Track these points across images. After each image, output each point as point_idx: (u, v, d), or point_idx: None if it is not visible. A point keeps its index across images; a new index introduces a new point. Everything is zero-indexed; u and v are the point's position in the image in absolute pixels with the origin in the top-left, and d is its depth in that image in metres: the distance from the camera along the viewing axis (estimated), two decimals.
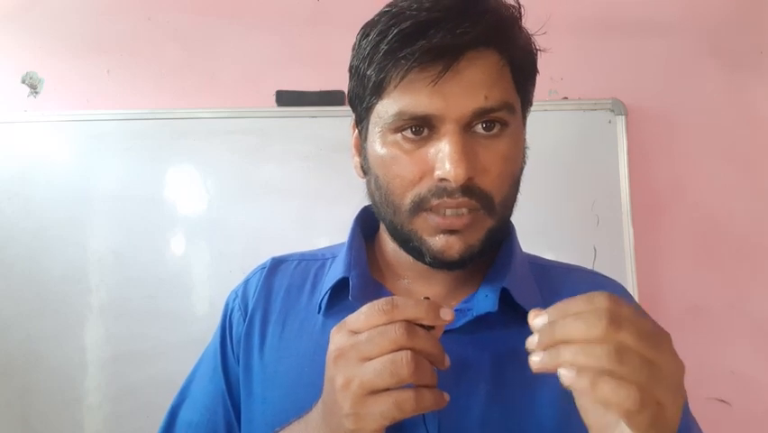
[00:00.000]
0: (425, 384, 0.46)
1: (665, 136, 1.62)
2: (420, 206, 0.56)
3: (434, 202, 0.55)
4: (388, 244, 0.66)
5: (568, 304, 0.43)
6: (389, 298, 0.48)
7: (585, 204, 1.54)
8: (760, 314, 1.57)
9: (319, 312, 0.65)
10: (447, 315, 0.48)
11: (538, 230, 1.59)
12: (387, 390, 0.46)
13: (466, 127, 0.55)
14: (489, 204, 0.57)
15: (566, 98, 1.60)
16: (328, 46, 1.65)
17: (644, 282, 1.52)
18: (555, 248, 1.54)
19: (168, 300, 1.52)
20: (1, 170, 1.58)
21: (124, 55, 1.67)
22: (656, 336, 0.43)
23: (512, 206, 0.61)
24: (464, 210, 0.55)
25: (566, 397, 0.56)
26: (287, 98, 1.62)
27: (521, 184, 0.62)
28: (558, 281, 0.67)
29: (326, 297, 0.64)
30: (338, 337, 0.49)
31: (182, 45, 1.67)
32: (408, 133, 0.56)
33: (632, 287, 1.50)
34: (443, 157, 0.54)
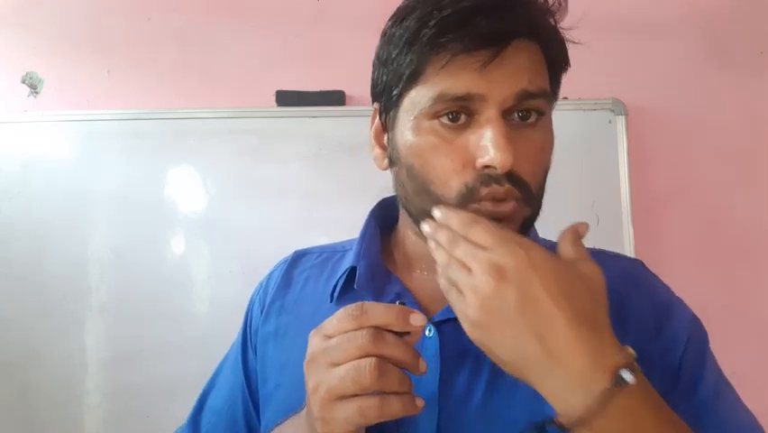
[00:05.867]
0: (394, 391, 0.46)
1: (665, 136, 1.62)
2: (469, 197, 0.54)
3: (485, 191, 0.53)
4: (409, 237, 0.65)
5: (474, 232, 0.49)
6: (360, 303, 0.48)
7: (585, 204, 1.54)
8: (760, 314, 1.57)
9: (331, 301, 0.65)
10: (418, 320, 0.48)
11: (538, 230, 1.59)
12: (355, 395, 0.46)
13: (506, 113, 0.54)
14: (528, 193, 0.56)
15: (566, 98, 1.60)
16: (328, 46, 1.65)
17: None
18: (556, 248, 1.54)
19: (168, 300, 1.52)
20: (1, 170, 1.58)
21: (124, 55, 1.67)
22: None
23: (543, 197, 0.61)
24: (509, 197, 0.54)
25: None
26: (287, 98, 1.62)
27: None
28: None
29: (339, 286, 0.65)
30: (313, 341, 0.50)
31: (182, 45, 1.67)
32: (446, 120, 0.54)
33: None
34: (487, 144, 0.52)
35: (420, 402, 0.48)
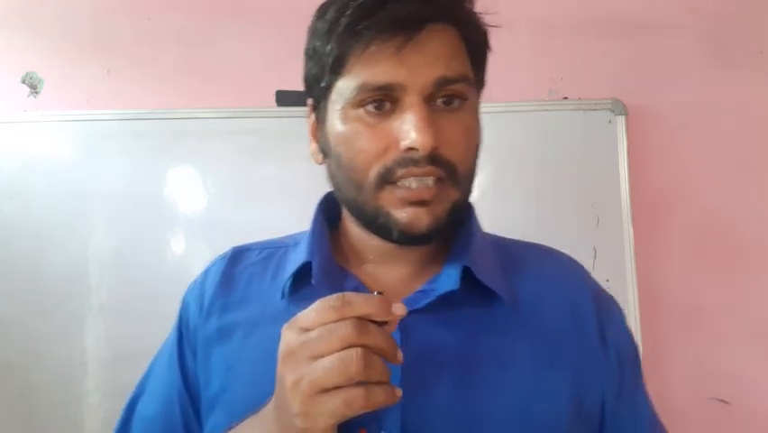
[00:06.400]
0: (377, 381, 0.46)
1: (665, 136, 1.62)
2: (386, 178, 0.56)
3: (401, 172, 0.55)
4: (352, 229, 0.65)
5: None
6: (341, 294, 0.47)
7: (585, 204, 1.54)
8: (760, 314, 1.57)
9: (282, 298, 0.63)
10: (399, 310, 0.47)
11: (538, 230, 1.59)
12: (337, 387, 0.45)
13: (428, 99, 0.55)
14: (454, 174, 0.57)
15: (566, 98, 1.60)
16: None
17: (644, 282, 1.52)
18: (555, 248, 1.54)
19: (167, 300, 1.51)
20: (1, 170, 1.58)
21: (124, 55, 1.67)
22: None
23: (473, 181, 0.61)
24: (431, 180, 0.56)
25: (530, 376, 0.58)
26: (287, 98, 1.62)
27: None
28: (519, 259, 0.68)
29: (289, 283, 0.63)
30: (288, 335, 0.48)
31: (182, 45, 1.67)
32: (371, 108, 0.56)
33: (632, 287, 1.50)
34: (409, 127, 0.54)
35: (399, 391, 0.47)
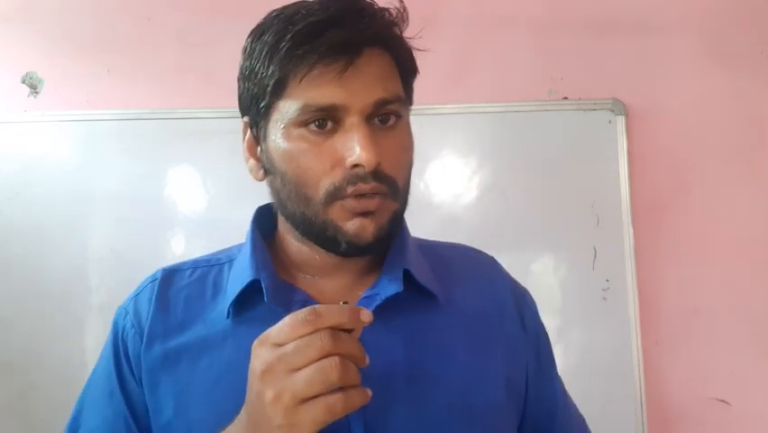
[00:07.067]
0: (351, 385, 0.49)
1: (665, 136, 1.62)
2: (335, 195, 0.59)
3: (350, 189, 0.58)
4: (292, 243, 0.67)
5: None
6: (312, 307, 0.49)
7: (585, 204, 1.54)
8: (760, 314, 1.57)
9: (228, 317, 0.64)
10: (366, 317, 0.50)
11: (538, 230, 1.59)
12: (316, 396, 0.47)
13: (367, 118, 0.59)
14: (395, 188, 0.61)
15: (566, 98, 1.60)
16: None
17: (643, 282, 1.52)
18: (555, 248, 1.54)
19: None
20: (1, 170, 1.58)
21: (124, 55, 1.67)
22: None
23: (409, 192, 0.65)
24: (375, 194, 0.59)
25: (469, 366, 0.64)
26: None
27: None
28: (446, 260, 0.72)
29: (234, 301, 0.64)
30: (262, 352, 0.50)
31: (182, 45, 1.67)
32: (313, 127, 0.59)
33: (632, 287, 1.51)
34: (354, 145, 0.57)
35: (369, 392, 0.50)
